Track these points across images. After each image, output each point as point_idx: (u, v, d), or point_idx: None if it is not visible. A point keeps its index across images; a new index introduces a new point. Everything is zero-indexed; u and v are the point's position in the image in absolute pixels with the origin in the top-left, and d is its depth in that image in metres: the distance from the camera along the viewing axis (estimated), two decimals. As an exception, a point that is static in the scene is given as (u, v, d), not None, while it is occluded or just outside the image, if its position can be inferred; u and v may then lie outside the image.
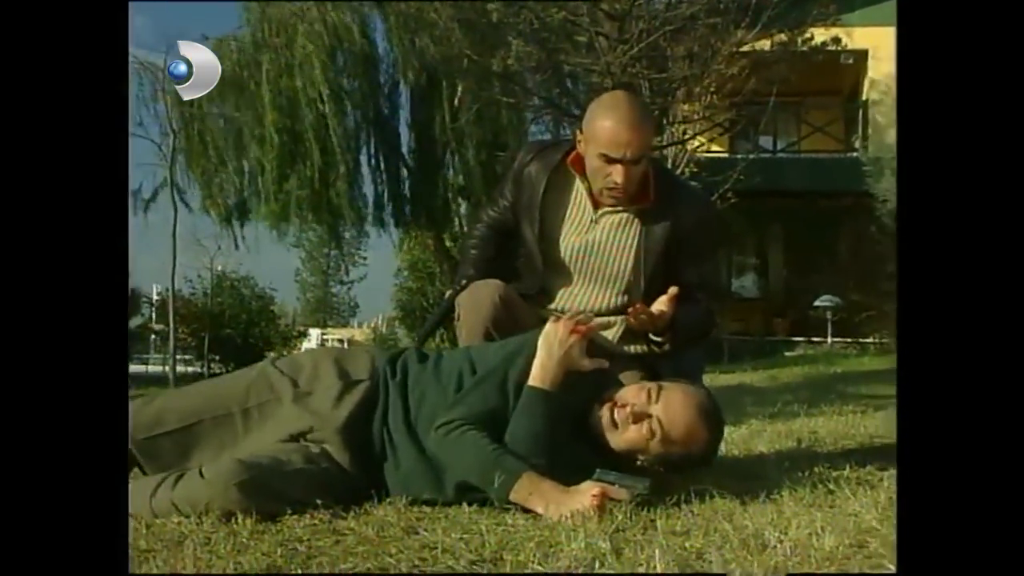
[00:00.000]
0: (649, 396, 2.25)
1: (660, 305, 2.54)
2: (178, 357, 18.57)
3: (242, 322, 20.87)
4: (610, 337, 2.72)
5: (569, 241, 2.77)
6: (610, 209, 2.75)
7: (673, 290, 2.54)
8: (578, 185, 2.78)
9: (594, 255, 2.75)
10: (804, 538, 1.71)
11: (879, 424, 4.16)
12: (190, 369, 20.04)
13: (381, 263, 52.08)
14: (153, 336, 23.52)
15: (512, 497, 2.04)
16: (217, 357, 20.39)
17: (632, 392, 2.28)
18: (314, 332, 28.77)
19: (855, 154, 18.68)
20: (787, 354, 15.33)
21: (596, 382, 2.32)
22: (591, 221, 2.76)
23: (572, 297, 2.77)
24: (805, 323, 16.80)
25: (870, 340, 14.49)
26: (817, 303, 15.87)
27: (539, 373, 2.22)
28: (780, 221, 19.20)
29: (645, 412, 2.23)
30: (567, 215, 2.79)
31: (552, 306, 2.77)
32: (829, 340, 15.84)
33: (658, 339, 2.63)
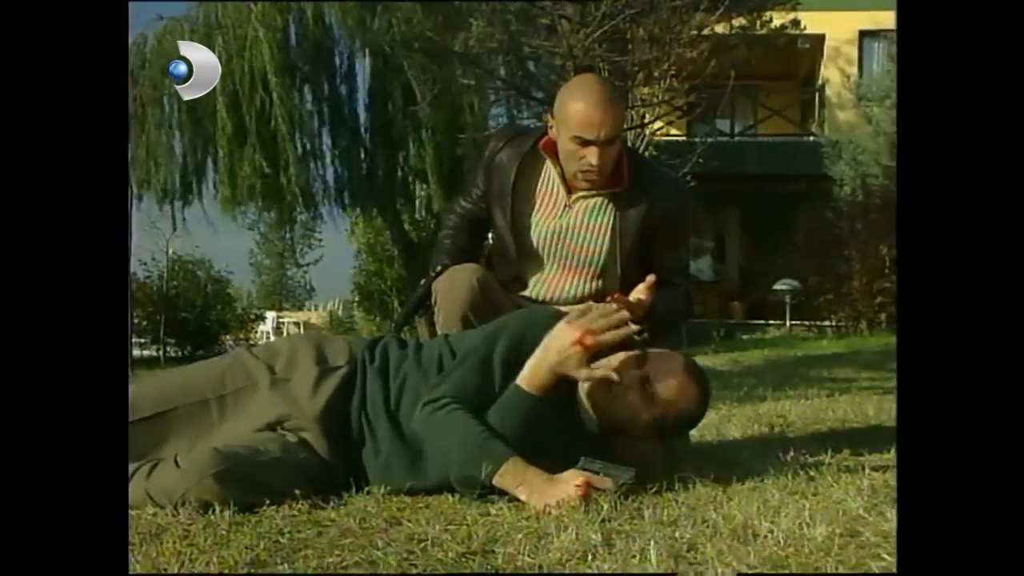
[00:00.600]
0: (637, 361, 2.20)
1: (639, 293, 2.52)
2: (133, 340, 18.35)
3: (198, 305, 20.66)
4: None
5: (542, 227, 2.75)
6: (584, 194, 2.73)
7: (651, 278, 2.52)
8: (550, 170, 2.76)
9: (568, 240, 2.73)
10: (795, 528, 1.69)
11: (847, 408, 4.18)
12: (145, 353, 19.79)
13: (337, 246, 51.69)
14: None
15: (496, 482, 2.01)
16: (173, 341, 20.18)
17: (616, 360, 2.20)
18: (270, 315, 28.51)
19: (812, 138, 18.80)
20: (744, 337, 15.40)
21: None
22: (564, 206, 2.74)
23: (546, 283, 2.75)
24: (762, 306, 16.89)
25: (827, 323, 14.59)
26: (776, 286, 15.95)
27: (529, 375, 2.14)
28: (737, 204, 19.29)
29: (637, 377, 2.18)
30: (540, 201, 2.77)
31: (526, 293, 2.75)
32: (787, 323, 15.94)
33: (636, 327, 2.61)
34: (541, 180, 2.78)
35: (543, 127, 2.80)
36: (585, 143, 2.61)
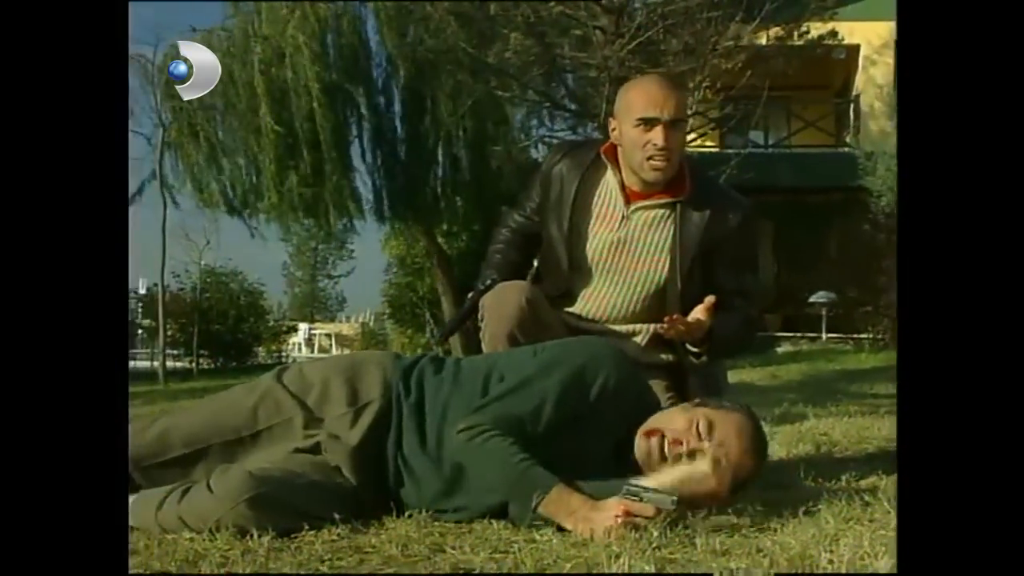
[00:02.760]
0: (699, 432, 2.11)
1: (697, 314, 2.45)
2: (167, 352, 18.43)
3: (231, 317, 20.73)
4: (637, 342, 2.63)
5: (599, 239, 2.68)
6: (643, 204, 2.66)
7: (710, 299, 2.45)
8: (610, 180, 2.70)
9: (624, 252, 2.66)
10: (856, 559, 1.62)
11: (892, 427, 4.07)
12: (179, 364, 19.87)
13: (368, 257, 51.86)
14: (140, 331, 23.23)
15: (541, 511, 1.94)
16: (206, 352, 20.27)
17: (680, 424, 2.13)
18: (303, 327, 28.68)
19: (846, 149, 18.62)
20: (779, 350, 15.24)
21: (635, 408, 2.21)
22: (623, 217, 2.67)
23: (597, 299, 2.68)
24: (797, 319, 16.72)
25: (864, 336, 14.41)
26: (813, 299, 15.78)
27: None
28: (771, 216, 19.13)
29: (699, 449, 2.09)
30: (598, 212, 2.71)
31: (575, 309, 2.68)
32: (823, 336, 15.77)
33: (695, 350, 2.53)
34: (600, 191, 2.72)
35: (601, 140, 2.79)
36: (650, 125, 2.57)
